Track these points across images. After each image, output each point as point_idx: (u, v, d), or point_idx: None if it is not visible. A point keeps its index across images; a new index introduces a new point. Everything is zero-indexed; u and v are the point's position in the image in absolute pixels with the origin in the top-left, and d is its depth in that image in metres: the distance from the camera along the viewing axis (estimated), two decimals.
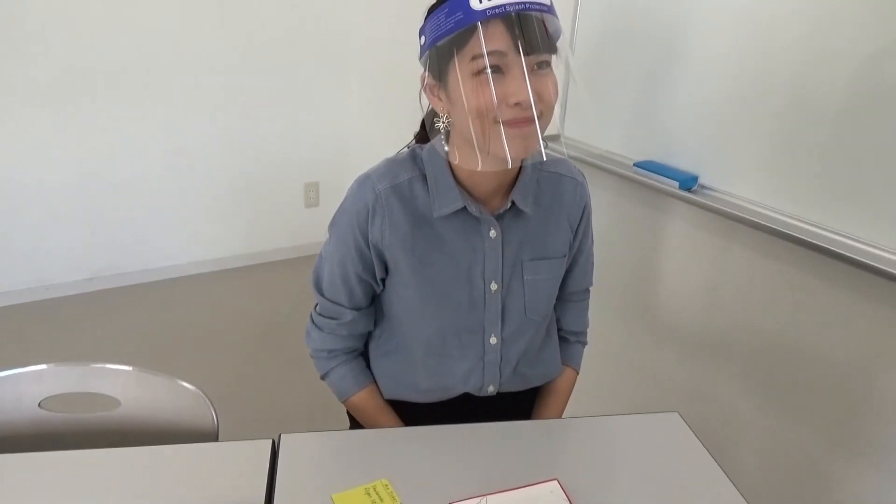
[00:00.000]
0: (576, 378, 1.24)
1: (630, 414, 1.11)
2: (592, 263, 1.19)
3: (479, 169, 0.90)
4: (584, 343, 1.27)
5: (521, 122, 0.82)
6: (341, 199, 1.03)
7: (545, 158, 0.86)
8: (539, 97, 0.82)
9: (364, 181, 0.99)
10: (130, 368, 1.05)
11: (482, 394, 1.11)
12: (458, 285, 1.01)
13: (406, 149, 1.05)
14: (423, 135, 1.06)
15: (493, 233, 1.00)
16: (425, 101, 0.95)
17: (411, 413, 1.13)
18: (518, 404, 1.20)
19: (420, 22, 0.89)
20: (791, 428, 1.49)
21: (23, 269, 2.91)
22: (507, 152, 0.83)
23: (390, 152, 1.08)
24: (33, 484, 0.87)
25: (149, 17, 2.80)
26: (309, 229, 3.47)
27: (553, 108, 0.86)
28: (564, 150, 0.89)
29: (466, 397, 1.11)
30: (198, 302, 3.07)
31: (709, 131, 1.52)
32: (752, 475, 1.58)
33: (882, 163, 1.19)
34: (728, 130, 1.47)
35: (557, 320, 1.21)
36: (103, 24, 2.72)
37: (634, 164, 1.68)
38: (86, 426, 1.07)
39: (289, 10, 3.07)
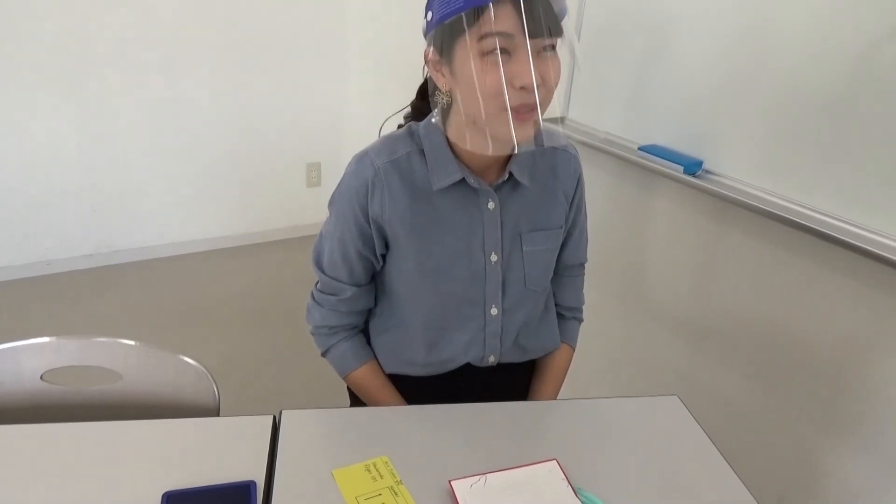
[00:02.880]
0: (572, 354, 1.25)
1: (631, 397, 1.11)
2: (586, 238, 1.20)
3: (478, 152, 0.91)
4: (580, 320, 1.28)
5: (526, 109, 0.83)
6: None
7: (545, 145, 0.87)
8: (542, 81, 0.82)
9: (362, 157, 0.99)
10: (133, 343, 1.06)
11: (483, 364, 1.12)
12: (458, 257, 1.02)
13: (404, 119, 1.06)
14: (418, 104, 1.08)
15: (491, 204, 1.01)
16: (426, 72, 0.95)
17: (412, 387, 1.14)
18: (517, 377, 1.21)
19: (418, 2, 0.88)
20: (788, 412, 1.49)
21: (23, 244, 2.91)
22: (514, 137, 0.84)
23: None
24: (35, 455, 0.88)
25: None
26: (311, 209, 3.47)
27: (553, 93, 0.86)
28: (560, 131, 0.89)
29: (467, 369, 1.12)
30: (201, 280, 3.08)
31: (714, 116, 1.51)
32: (748, 457, 1.59)
33: (882, 148, 1.18)
34: (733, 115, 1.46)
35: (553, 296, 1.22)
36: (105, 0, 2.70)
37: (639, 148, 1.67)
38: (87, 399, 1.08)
39: None
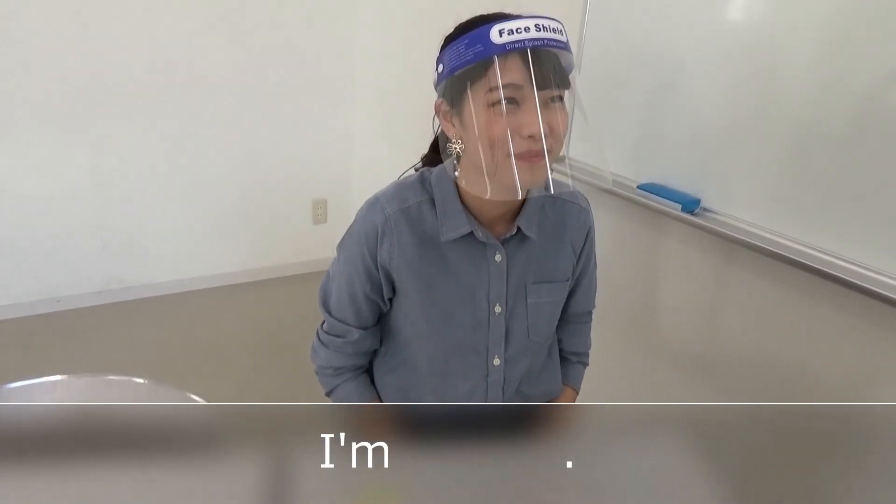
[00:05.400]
0: (575, 397, 1.26)
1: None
2: (595, 286, 1.21)
3: (486, 196, 0.92)
4: (585, 364, 1.28)
5: (532, 155, 0.85)
6: (349, 216, 1.06)
7: (553, 191, 0.88)
8: (550, 130, 0.85)
9: (374, 203, 1.01)
10: (143, 380, 1.08)
11: None
12: (462, 307, 1.03)
13: (414, 171, 1.08)
14: (431, 158, 1.09)
15: (498, 257, 1.02)
16: (437, 124, 0.98)
17: None
18: None
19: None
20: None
21: (33, 281, 2.94)
22: (517, 182, 0.85)
23: (398, 170, 1.11)
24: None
25: (158, 34, 2.85)
26: (317, 245, 3.48)
27: (562, 143, 0.89)
28: (568, 171, 0.91)
29: None
30: (207, 316, 3.10)
31: (712, 155, 1.54)
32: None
33: (884, 188, 1.21)
34: (731, 154, 1.49)
35: (559, 341, 1.23)
36: (114, 40, 2.77)
37: (638, 186, 1.70)
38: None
39: (298, 27, 3.13)
